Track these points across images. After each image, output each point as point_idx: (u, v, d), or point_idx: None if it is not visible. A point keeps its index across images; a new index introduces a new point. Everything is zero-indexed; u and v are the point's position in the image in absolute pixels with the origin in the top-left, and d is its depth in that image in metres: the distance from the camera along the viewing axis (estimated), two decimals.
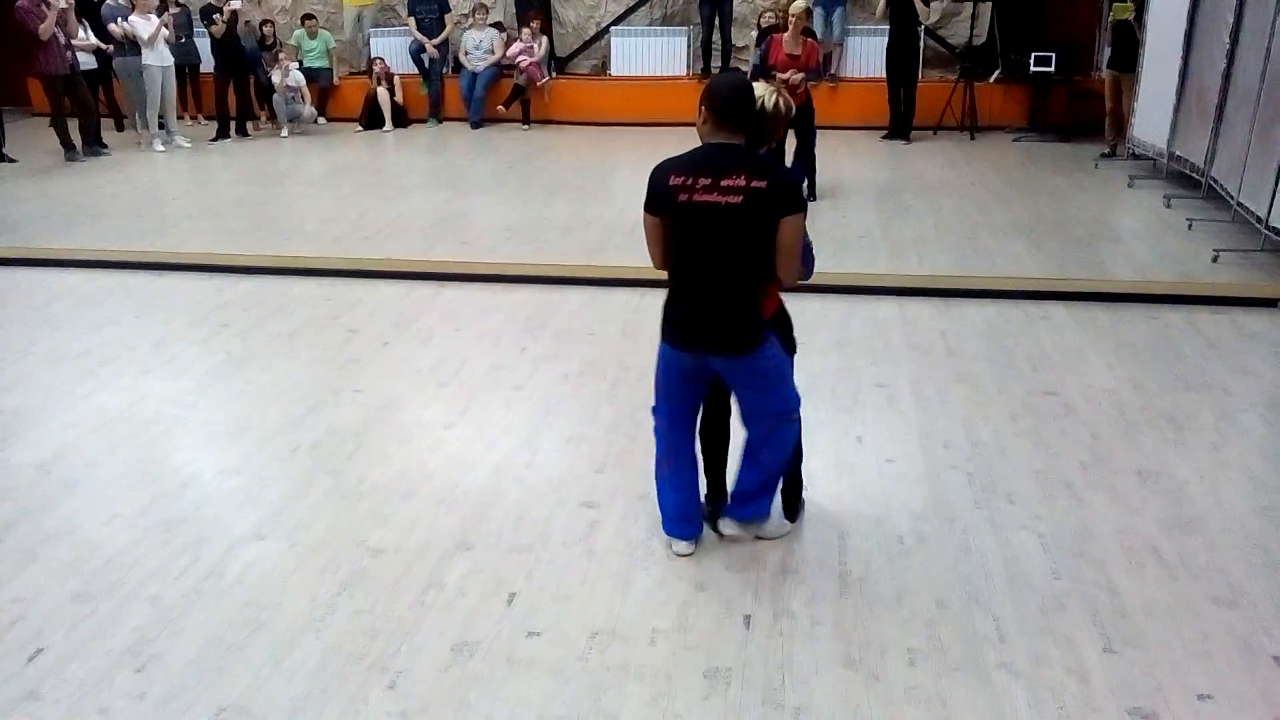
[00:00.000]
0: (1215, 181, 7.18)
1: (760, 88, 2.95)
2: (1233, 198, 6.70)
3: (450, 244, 6.89)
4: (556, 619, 2.89)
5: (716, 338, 2.91)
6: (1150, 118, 8.67)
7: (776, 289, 3.02)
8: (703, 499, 3.32)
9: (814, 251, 3.04)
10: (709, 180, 2.78)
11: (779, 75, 7.30)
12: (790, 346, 3.16)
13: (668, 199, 2.85)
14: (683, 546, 3.20)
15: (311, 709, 2.55)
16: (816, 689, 2.60)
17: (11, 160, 9.99)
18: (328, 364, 4.79)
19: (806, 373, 4.49)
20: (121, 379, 4.65)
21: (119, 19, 10.27)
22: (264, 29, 11.98)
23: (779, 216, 2.77)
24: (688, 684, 2.63)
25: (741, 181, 2.75)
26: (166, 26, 10.42)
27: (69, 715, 2.54)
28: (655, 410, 3.18)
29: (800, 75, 7.35)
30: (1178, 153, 8.03)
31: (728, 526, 3.25)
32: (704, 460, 3.33)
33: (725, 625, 2.86)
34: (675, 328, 2.99)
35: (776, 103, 2.98)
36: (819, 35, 11.01)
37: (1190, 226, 6.95)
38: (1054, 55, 10.46)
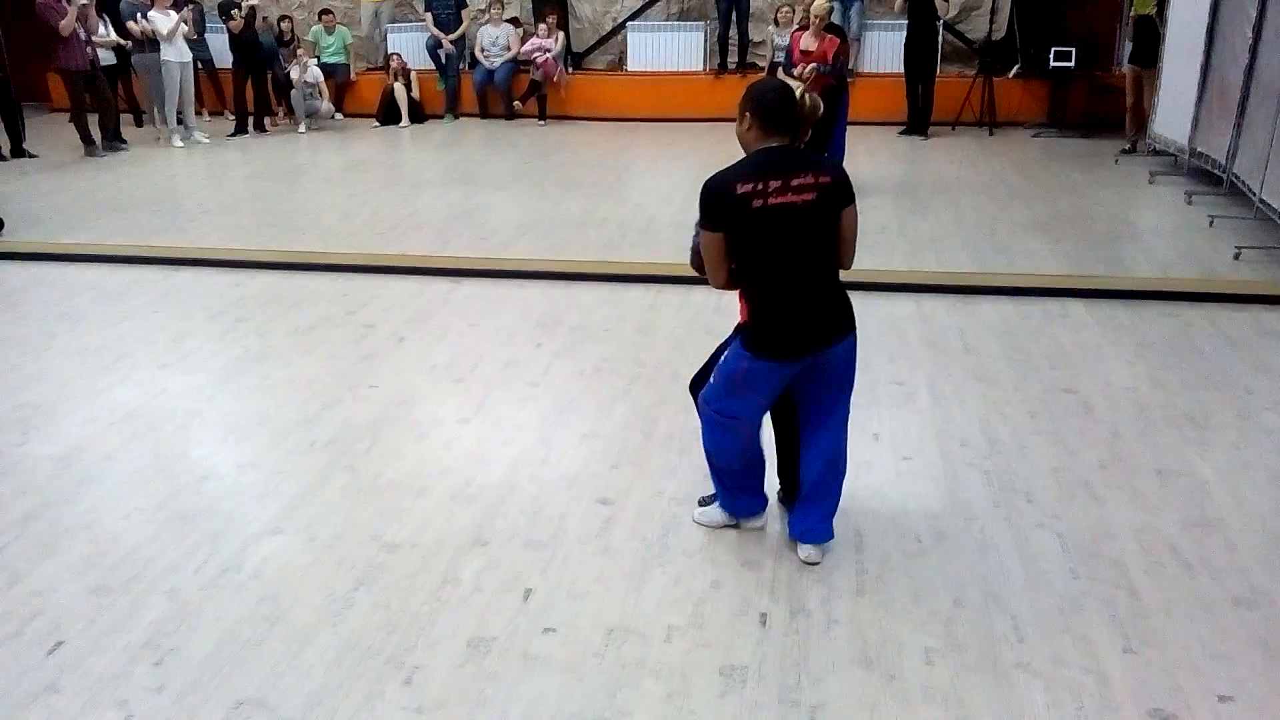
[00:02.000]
0: (1237, 178, 7.12)
1: (794, 85, 2.98)
2: (1255, 194, 6.64)
3: (466, 240, 6.90)
4: (572, 615, 2.89)
5: (828, 329, 2.93)
6: (1171, 113, 8.60)
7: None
8: (778, 496, 3.40)
9: None
10: (779, 183, 2.78)
11: (795, 73, 7.33)
12: None
13: (739, 209, 2.78)
14: (754, 521, 3.29)
15: (328, 703, 2.56)
16: (833, 688, 2.59)
17: (32, 155, 10.07)
18: (344, 359, 4.80)
19: None
20: (139, 373, 4.67)
21: (138, 15, 10.33)
22: (281, 25, 12.03)
23: (842, 208, 2.87)
24: (703, 681, 2.62)
25: (810, 179, 2.80)
26: (186, 22, 10.47)
27: (88, 708, 2.55)
28: (730, 414, 3.04)
29: (812, 66, 7.35)
30: (1199, 149, 7.96)
31: (811, 554, 3.13)
32: (780, 456, 3.35)
33: (741, 623, 2.85)
34: (789, 339, 2.89)
35: (805, 99, 2.99)
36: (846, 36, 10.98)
37: (1212, 223, 6.88)
38: (1074, 50, 10.39)
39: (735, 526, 3.29)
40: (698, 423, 3.22)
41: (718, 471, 3.22)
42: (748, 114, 2.85)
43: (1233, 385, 4.37)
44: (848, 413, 3.09)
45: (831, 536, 3.17)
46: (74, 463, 3.83)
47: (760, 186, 2.77)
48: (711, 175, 2.86)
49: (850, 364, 3.04)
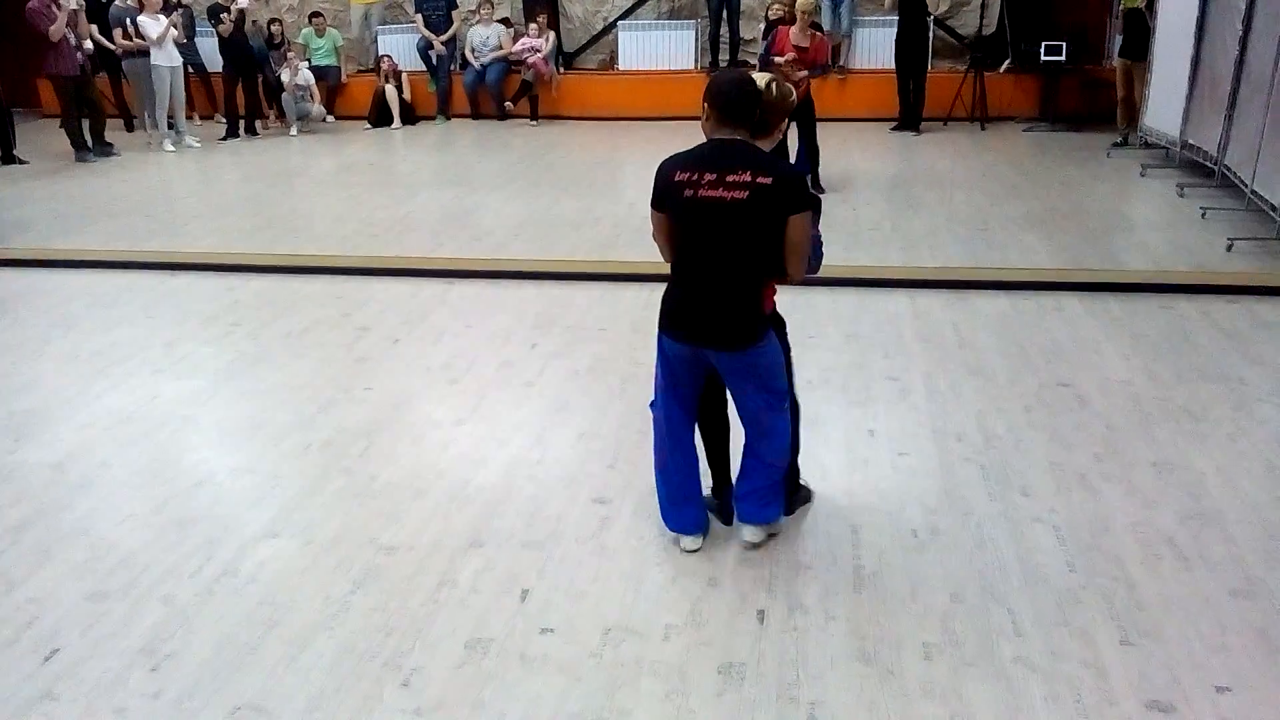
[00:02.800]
0: (1229, 170, 7.13)
1: (760, 77, 2.94)
2: (1246, 186, 6.65)
3: (459, 241, 6.89)
4: (569, 615, 2.88)
5: (715, 332, 2.90)
6: (1162, 106, 8.62)
7: (773, 286, 3.02)
8: (708, 492, 3.32)
9: (823, 245, 3.03)
10: (714, 176, 2.77)
11: (776, 60, 7.22)
12: (784, 349, 3.13)
13: (672, 194, 2.84)
14: (689, 542, 3.17)
15: (326, 707, 2.55)
16: (831, 684, 2.59)
17: (23, 162, 10.04)
18: (338, 362, 4.80)
19: (818, 367, 4.49)
20: (134, 379, 4.66)
21: (127, 20, 10.31)
22: (271, 28, 12.01)
23: (786, 214, 2.77)
24: (701, 680, 2.62)
25: (747, 177, 2.74)
26: (175, 26, 10.45)
27: (85, 715, 2.54)
28: (653, 404, 3.18)
29: (804, 73, 7.27)
30: (1191, 141, 7.98)
31: (751, 534, 3.16)
32: (706, 452, 3.32)
33: (739, 620, 2.85)
34: (674, 319, 2.96)
35: (773, 88, 2.96)
36: (827, 27, 10.98)
37: (1204, 215, 6.90)
38: (1065, 44, 10.40)
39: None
40: None
41: (657, 475, 3.22)
42: (706, 105, 2.83)
43: (1227, 377, 4.38)
44: (774, 399, 3.03)
45: (765, 520, 3.16)
46: (69, 469, 3.82)
47: (695, 177, 2.79)
48: (667, 157, 2.91)
49: (758, 374, 2.96)
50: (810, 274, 2.95)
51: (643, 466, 3.68)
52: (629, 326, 5.11)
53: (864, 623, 2.82)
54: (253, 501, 3.56)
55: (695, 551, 3.16)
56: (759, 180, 2.73)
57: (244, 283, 6.03)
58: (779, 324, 3.15)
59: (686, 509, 3.18)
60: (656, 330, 3.03)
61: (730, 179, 2.75)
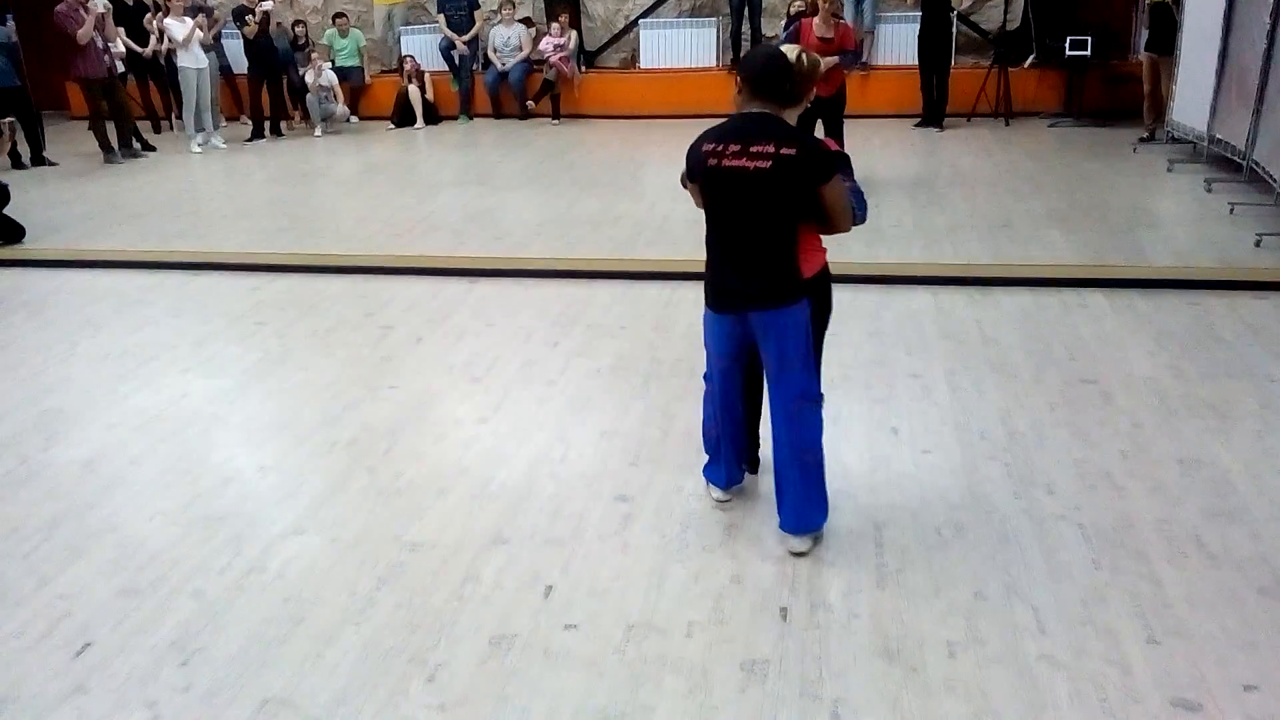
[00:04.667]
0: (1257, 165, 7.05)
1: (790, 49, 2.98)
2: (1275, 181, 6.58)
3: (481, 240, 6.92)
4: (593, 612, 2.90)
5: (752, 294, 3.00)
6: (1189, 101, 8.52)
7: (816, 249, 3.12)
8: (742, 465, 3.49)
9: (865, 194, 3.19)
10: (738, 147, 2.89)
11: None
12: (825, 312, 3.24)
13: (700, 165, 2.98)
14: (720, 493, 3.41)
15: (352, 702, 2.58)
16: (854, 681, 2.59)
17: (52, 163, 10.18)
18: (363, 361, 4.84)
19: (840, 364, 4.48)
20: (162, 378, 4.72)
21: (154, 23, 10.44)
22: (296, 30, 12.11)
23: (816, 185, 2.88)
24: (724, 676, 2.63)
25: (771, 148, 2.84)
26: (201, 29, 10.55)
27: (116, 708, 2.59)
28: (706, 376, 3.33)
29: (834, 59, 7.25)
30: (1218, 136, 7.89)
31: (798, 544, 3.13)
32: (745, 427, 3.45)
33: (761, 617, 2.85)
34: (714, 290, 3.11)
35: (803, 59, 2.99)
36: (849, 21, 10.92)
37: (1232, 211, 6.82)
38: (1089, 39, 10.31)
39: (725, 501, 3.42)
40: None
41: (703, 434, 3.45)
42: (736, 79, 2.98)
43: (1254, 374, 4.33)
44: (808, 386, 3.06)
45: (810, 528, 3.14)
46: (99, 467, 3.88)
47: (720, 148, 2.92)
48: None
49: (787, 337, 3.00)
50: (859, 224, 3.12)
51: (664, 464, 3.71)
52: (650, 325, 5.12)
53: (887, 620, 2.82)
54: (279, 499, 3.60)
55: (725, 503, 3.40)
56: (783, 151, 2.83)
57: (269, 282, 6.09)
58: (824, 290, 3.21)
59: (721, 467, 3.40)
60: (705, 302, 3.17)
61: (754, 149, 2.86)
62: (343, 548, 3.27)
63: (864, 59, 11.67)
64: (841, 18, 7.75)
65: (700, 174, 3.00)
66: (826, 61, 7.09)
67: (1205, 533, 3.18)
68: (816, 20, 7.41)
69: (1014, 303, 5.27)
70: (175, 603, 3.01)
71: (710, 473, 3.46)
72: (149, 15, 11.17)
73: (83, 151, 10.59)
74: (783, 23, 10.90)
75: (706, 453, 3.46)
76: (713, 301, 3.13)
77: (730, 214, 2.98)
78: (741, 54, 11.90)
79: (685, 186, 3.20)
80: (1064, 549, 3.11)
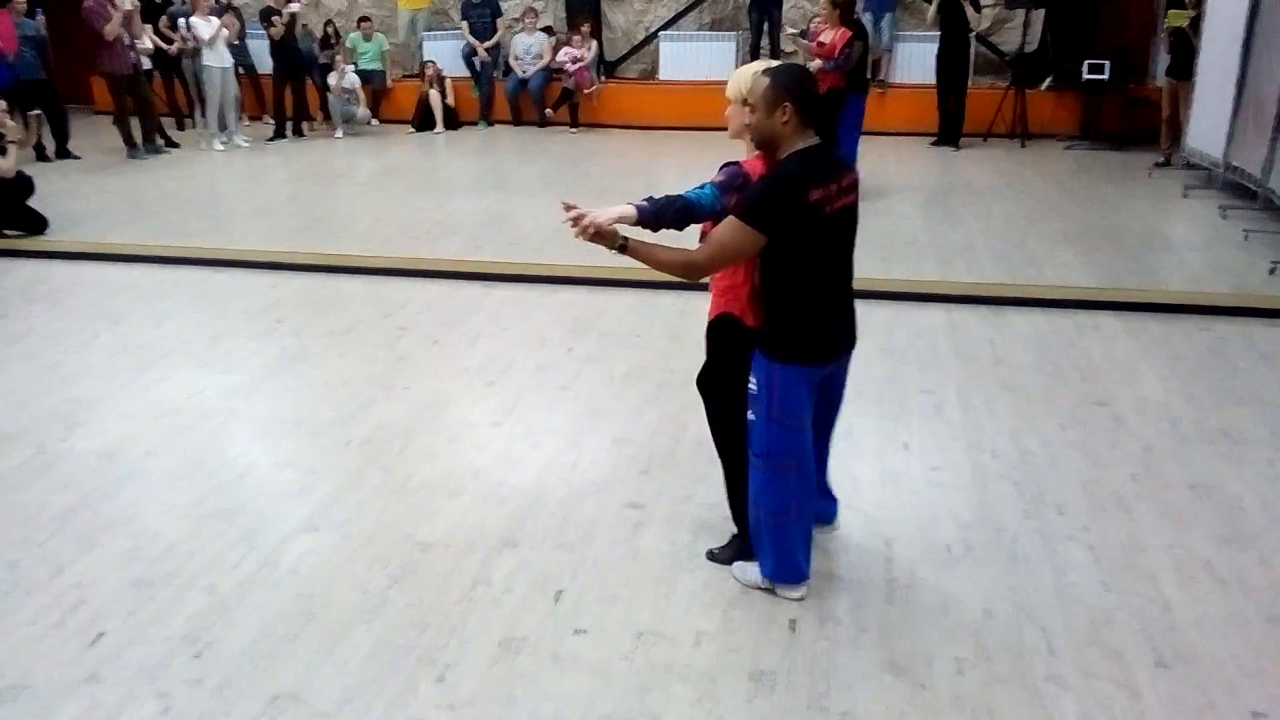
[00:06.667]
0: (1272, 192, 7.05)
1: (767, 64, 2.88)
2: None
3: (498, 245, 6.96)
4: (602, 618, 2.92)
5: (852, 330, 2.94)
6: (1206, 127, 8.52)
7: None
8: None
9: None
10: (836, 185, 2.66)
11: (788, 28, 7.47)
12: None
13: (810, 216, 2.60)
14: (800, 591, 2.97)
15: (361, 698, 2.60)
16: (861, 695, 2.60)
17: (76, 157, 10.26)
18: (378, 361, 4.87)
19: (852, 380, 4.43)
20: (179, 372, 4.76)
21: (180, 21, 10.53)
22: (327, 28, 12.20)
23: None
24: (732, 686, 2.64)
25: (852, 178, 2.76)
26: (227, 28, 10.64)
27: (128, 699, 2.61)
28: (768, 453, 2.81)
29: (817, 64, 7.41)
30: (1234, 163, 7.89)
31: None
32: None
33: (770, 629, 2.86)
34: (824, 339, 2.79)
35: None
36: (869, 40, 10.97)
37: (1246, 238, 6.82)
38: (1107, 63, 10.33)
39: (770, 591, 3.00)
40: None
41: (768, 529, 2.89)
42: (788, 104, 2.61)
43: (1266, 401, 4.33)
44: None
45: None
46: (115, 458, 3.91)
47: (828, 191, 2.62)
48: (776, 174, 2.65)
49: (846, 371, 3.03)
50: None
51: (676, 473, 3.72)
52: (664, 334, 5.15)
53: (895, 635, 2.83)
54: (293, 495, 3.63)
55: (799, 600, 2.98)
56: (855, 177, 2.78)
57: (287, 280, 6.14)
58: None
59: (800, 556, 2.94)
60: (782, 363, 2.74)
61: (845, 183, 2.71)
62: (355, 546, 3.29)
63: (882, 76, 11.70)
64: (860, 30, 7.81)
65: (814, 224, 2.62)
66: (813, 66, 7.32)
67: (1215, 558, 3.18)
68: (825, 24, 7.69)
69: (1027, 323, 5.28)
70: (188, 595, 3.03)
71: (783, 569, 2.93)
72: (164, 18, 11.25)
73: (106, 146, 10.67)
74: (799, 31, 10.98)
75: (767, 552, 2.93)
76: (820, 352, 2.79)
77: (846, 255, 2.81)
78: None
79: (739, 237, 2.63)
80: (1073, 570, 3.12)
